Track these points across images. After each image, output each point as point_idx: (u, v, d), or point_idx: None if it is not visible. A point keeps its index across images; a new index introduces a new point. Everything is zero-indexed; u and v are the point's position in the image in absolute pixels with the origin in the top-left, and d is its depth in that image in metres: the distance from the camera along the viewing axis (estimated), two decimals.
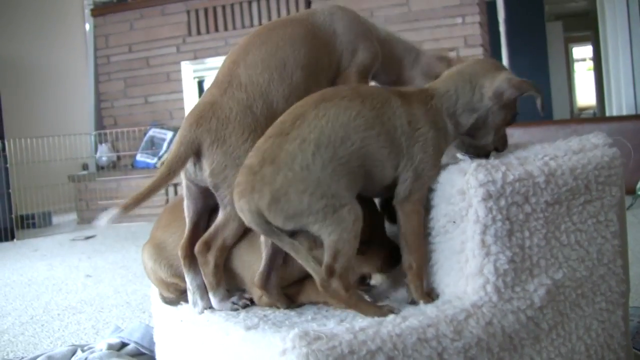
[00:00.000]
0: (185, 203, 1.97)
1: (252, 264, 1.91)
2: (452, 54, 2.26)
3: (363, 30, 2.12)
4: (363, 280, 1.98)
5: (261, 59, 1.95)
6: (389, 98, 1.77)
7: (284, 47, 1.97)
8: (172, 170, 1.82)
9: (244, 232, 1.91)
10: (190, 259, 1.91)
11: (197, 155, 1.84)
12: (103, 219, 1.79)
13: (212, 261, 1.86)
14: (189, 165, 1.86)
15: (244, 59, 1.96)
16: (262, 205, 1.62)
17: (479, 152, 1.91)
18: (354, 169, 1.68)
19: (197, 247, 1.86)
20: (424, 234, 1.81)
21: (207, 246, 1.86)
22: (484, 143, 1.90)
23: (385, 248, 1.81)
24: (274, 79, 1.92)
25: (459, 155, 1.87)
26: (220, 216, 1.86)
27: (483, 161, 1.76)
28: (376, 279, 2.02)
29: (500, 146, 1.93)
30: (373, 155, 1.70)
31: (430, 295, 1.78)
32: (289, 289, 1.87)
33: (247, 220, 1.66)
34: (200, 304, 1.91)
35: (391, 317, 1.59)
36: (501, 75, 1.83)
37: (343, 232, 1.62)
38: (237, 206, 1.67)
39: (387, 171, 1.74)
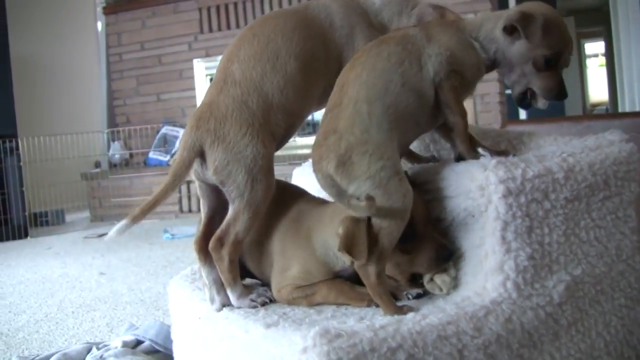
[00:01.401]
0: (201, 201, 2.00)
1: (285, 250, 1.92)
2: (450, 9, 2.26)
3: (361, 21, 2.12)
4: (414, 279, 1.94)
5: (253, 52, 1.97)
6: (407, 31, 1.95)
7: (275, 39, 1.99)
8: (178, 176, 1.86)
9: (264, 227, 1.95)
10: (205, 253, 1.93)
11: (202, 156, 1.88)
12: (113, 232, 1.83)
13: (226, 257, 1.87)
14: (197, 166, 1.90)
15: (237, 55, 1.99)
16: (331, 169, 1.71)
17: (516, 92, 2.01)
18: (403, 116, 1.80)
19: (211, 244, 1.88)
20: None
21: (221, 242, 1.87)
22: (512, 82, 1.99)
23: (433, 246, 1.78)
24: (267, 71, 1.94)
25: (480, 151, 1.87)
26: (230, 211, 1.88)
27: (502, 158, 1.76)
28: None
29: (544, 91, 1.96)
30: (414, 85, 1.83)
31: (468, 145, 1.88)
32: (305, 290, 1.87)
33: (320, 184, 1.77)
34: (217, 299, 1.92)
35: (411, 314, 1.59)
36: (516, 9, 1.92)
37: (393, 204, 1.67)
38: (315, 177, 1.78)
39: (427, 87, 1.86)
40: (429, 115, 1.89)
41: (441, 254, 1.76)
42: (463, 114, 1.88)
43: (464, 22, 2.02)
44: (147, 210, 1.85)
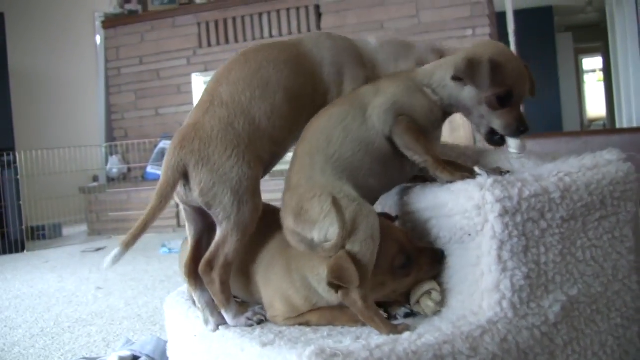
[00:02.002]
0: (186, 225, 2.00)
1: (269, 281, 1.92)
2: (447, 45, 2.28)
3: (351, 61, 2.13)
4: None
5: (243, 76, 1.99)
6: (360, 89, 2.03)
7: (267, 67, 2.00)
8: (164, 197, 1.87)
9: (249, 254, 1.96)
10: (195, 277, 1.93)
11: (185, 177, 1.87)
12: (109, 261, 1.85)
13: (217, 279, 1.87)
14: (180, 188, 1.89)
15: (227, 78, 2.00)
16: (291, 224, 1.81)
17: (482, 133, 2.02)
18: (352, 164, 1.88)
19: (201, 268, 1.88)
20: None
21: (210, 265, 1.87)
22: (475, 124, 2.00)
23: (429, 255, 1.83)
24: (256, 96, 1.95)
25: (477, 170, 1.87)
26: (218, 233, 1.88)
27: (499, 177, 1.76)
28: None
29: (503, 129, 1.96)
30: (359, 136, 1.90)
31: (449, 171, 1.88)
32: (296, 320, 1.87)
33: (291, 244, 1.84)
34: (211, 321, 1.92)
35: (407, 334, 1.59)
36: (462, 55, 1.95)
37: (359, 229, 1.73)
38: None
39: (374, 137, 1.92)
40: (389, 163, 1.93)
41: (437, 257, 1.83)
42: (426, 150, 1.89)
43: (415, 72, 2.05)
44: (138, 235, 1.86)
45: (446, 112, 2.00)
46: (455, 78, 1.93)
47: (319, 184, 1.83)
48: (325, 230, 1.74)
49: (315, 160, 1.89)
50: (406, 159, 1.92)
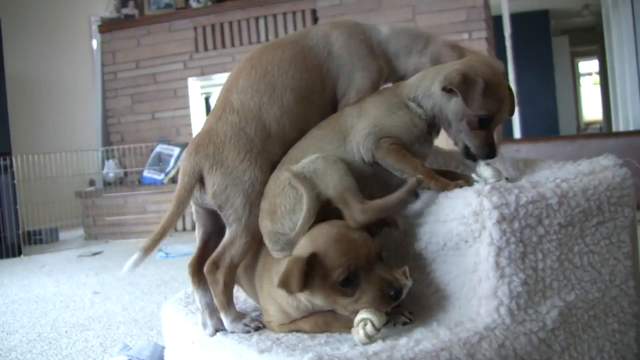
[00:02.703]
0: (196, 225, 2.01)
1: (262, 287, 1.92)
2: (465, 44, 2.26)
3: (360, 49, 2.12)
4: None
5: (251, 83, 2.01)
6: (343, 111, 2.04)
7: (272, 71, 2.03)
8: (182, 202, 1.90)
9: (254, 256, 1.97)
10: (199, 276, 1.95)
11: (200, 181, 1.91)
12: (129, 265, 1.86)
13: (221, 280, 1.88)
14: (195, 191, 1.92)
15: (236, 85, 2.03)
16: (268, 226, 1.85)
17: (459, 147, 2.01)
18: None
19: (206, 267, 1.89)
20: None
21: (216, 265, 1.88)
22: (453, 137, 1.99)
23: (377, 285, 1.68)
24: (264, 102, 1.98)
25: (474, 177, 1.87)
26: (227, 235, 1.90)
27: (497, 184, 1.76)
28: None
29: (475, 149, 1.95)
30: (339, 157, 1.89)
31: (442, 182, 1.88)
32: (289, 326, 1.86)
33: (268, 246, 1.87)
34: (209, 323, 1.92)
35: (404, 340, 1.59)
36: (457, 67, 1.93)
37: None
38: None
39: (352, 159, 1.95)
40: (369, 181, 1.93)
41: (387, 292, 1.67)
42: (414, 167, 1.88)
43: (402, 85, 2.04)
44: (158, 240, 1.90)
45: (431, 124, 1.99)
46: (446, 89, 1.92)
47: (284, 177, 1.86)
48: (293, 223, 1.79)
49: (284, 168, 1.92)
50: (392, 175, 1.94)
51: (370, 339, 1.64)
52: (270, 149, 1.96)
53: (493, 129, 1.94)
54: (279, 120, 1.98)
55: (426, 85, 1.97)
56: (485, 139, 1.93)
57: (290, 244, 1.78)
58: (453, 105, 1.93)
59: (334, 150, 1.93)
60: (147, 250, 1.87)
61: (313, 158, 1.84)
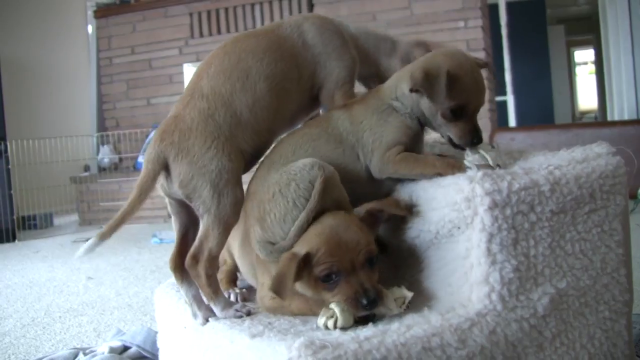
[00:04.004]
0: (172, 218, 2.00)
1: (260, 261, 1.92)
2: (431, 40, 2.27)
3: (334, 40, 2.13)
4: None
5: (223, 69, 1.99)
6: (331, 114, 2.05)
7: (246, 58, 2.00)
8: (144, 190, 1.88)
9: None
10: (181, 271, 1.93)
11: (167, 169, 1.88)
12: (82, 251, 1.85)
13: (202, 273, 1.86)
14: (162, 180, 1.90)
15: (207, 71, 2.01)
16: (258, 233, 1.86)
17: (446, 139, 2.03)
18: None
19: (187, 262, 1.88)
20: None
21: (196, 259, 1.87)
22: (437, 131, 2.01)
23: (353, 288, 1.68)
24: (237, 89, 1.96)
25: (467, 163, 1.87)
26: (201, 227, 1.88)
27: (489, 170, 1.77)
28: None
29: (457, 140, 1.96)
30: (330, 157, 1.93)
31: (462, 166, 1.87)
32: (280, 301, 1.85)
33: (260, 255, 1.88)
34: (199, 314, 1.91)
35: (396, 325, 1.59)
36: (419, 65, 1.95)
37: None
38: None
39: (358, 167, 1.97)
40: (361, 185, 1.97)
41: (360, 298, 1.66)
42: (431, 166, 1.90)
43: (382, 89, 2.06)
44: (115, 227, 1.86)
45: (420, 121, 2.01)
46: (412, 90, 1.94)
47: (274, 181, 1.85)
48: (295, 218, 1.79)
49: (274, 166, 1.93)
50: (383, 181, 1.98)
51: (326, 329, 1.67)
52: (240, 136, 1.93)
53: (471, 117, 1.94)
54: (250, 108, 1.95)
55: (403, 88, 1.99)
56: (463, 128, 1.94)
57: (281, 252, 1.78)
58: (425, 103, 1.95)
59: (331, 152, 1.94)
60: (103, 237, 1.84)
61: (308, 164, 1.83)
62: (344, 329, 1.64)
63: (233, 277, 2.22)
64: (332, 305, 1.67)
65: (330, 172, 1.82)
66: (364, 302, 1.65)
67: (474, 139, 1.93)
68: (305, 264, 1.69)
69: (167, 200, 1.98)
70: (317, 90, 2.13)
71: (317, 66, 2.10)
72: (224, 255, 2.19)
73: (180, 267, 1.92)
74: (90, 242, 1.83)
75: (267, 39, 2.07)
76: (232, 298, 2.06)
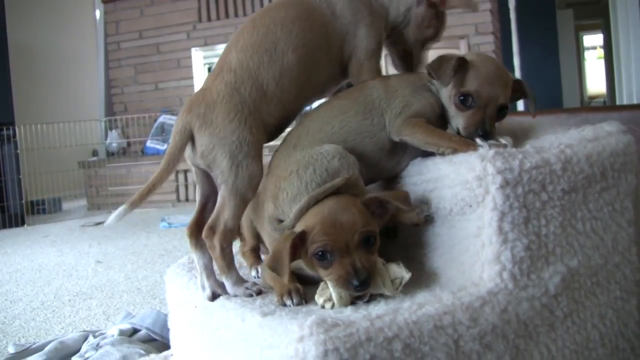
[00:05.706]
0: (196, 187, 2.02)
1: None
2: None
3: (362, 9, 2.12)
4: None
5: (252, 42, 2.00)
6: (367, 84, 2.04)
7: (274, 30, 2.01)
8: (171, 160, 1.89)
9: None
10: (197, 238, 1.94)
11: (192, 140, 1.90)
12: (112, 218, 1.85)
13: (217, 245, 1.87)
14: (189, 150, 1.91)
15: (236, 45, 2.02)
16: (270, 210, 1.88)
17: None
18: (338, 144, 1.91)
19: (204, 232, 1.89)
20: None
21: (213, 230, 1.87)
22: (450, 118, 1.98)
23: (345, 269, 1.66)
24: (264, 61, 1.97)
25: (479, 141, 1.86)
26: (219, 198, 1.89)
27: (501, 149, 1.76)
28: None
29: (463, 130, 1.93)
30: (358, 129, 1.96)
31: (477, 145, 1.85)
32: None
33: (268, 230, 1.92)
34: (207, 285, 1.91)
35: (407, 304, 1.59)
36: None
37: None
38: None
39: (382, 138, 1.97)
40: (384, 158, 1.98)
41: (350, 279, 1.64)
42: (447, 137, 1.90)
43: (421, 72, 2.12)
44: (145, 196, 1.88)
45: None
46: (428, 73, 1.95)
47: (295, 160, 1.86)
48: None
49: (300, 141, 1.94)
50: (402, 158, 1.98)
51: (323, 307, 1.68)
52: (264, 110, 1.94)
53: (482, 110, 1.90)
54: (277, 80, 1.96)
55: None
56: (471, 117, 1.90)
57: (282, 231, 1.80)
58: (444, 91, 1.96)
59: (358, 124, 1.94)
60: (133, 205, 1.86)
61: (331, 153, 1.85)
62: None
63: (257, 254, 2.22)
64: (331, 289, 1.68)
65: (351, 172, 1.83)
66: (355, 282, 1.64)
67: (479, 130, 1.90)
68: (302, 243, 1.70)
69: (193, 169, 2.00)
70: (347, 60, 2.12)
71: (347, 36, 2.09)
72: (244, 233, 2.20)
73: (196, 234, 1.94)
74: (120, 209, 1.85)
75: (295, 10, 2.06)
76: (254, 274, 2.06)
